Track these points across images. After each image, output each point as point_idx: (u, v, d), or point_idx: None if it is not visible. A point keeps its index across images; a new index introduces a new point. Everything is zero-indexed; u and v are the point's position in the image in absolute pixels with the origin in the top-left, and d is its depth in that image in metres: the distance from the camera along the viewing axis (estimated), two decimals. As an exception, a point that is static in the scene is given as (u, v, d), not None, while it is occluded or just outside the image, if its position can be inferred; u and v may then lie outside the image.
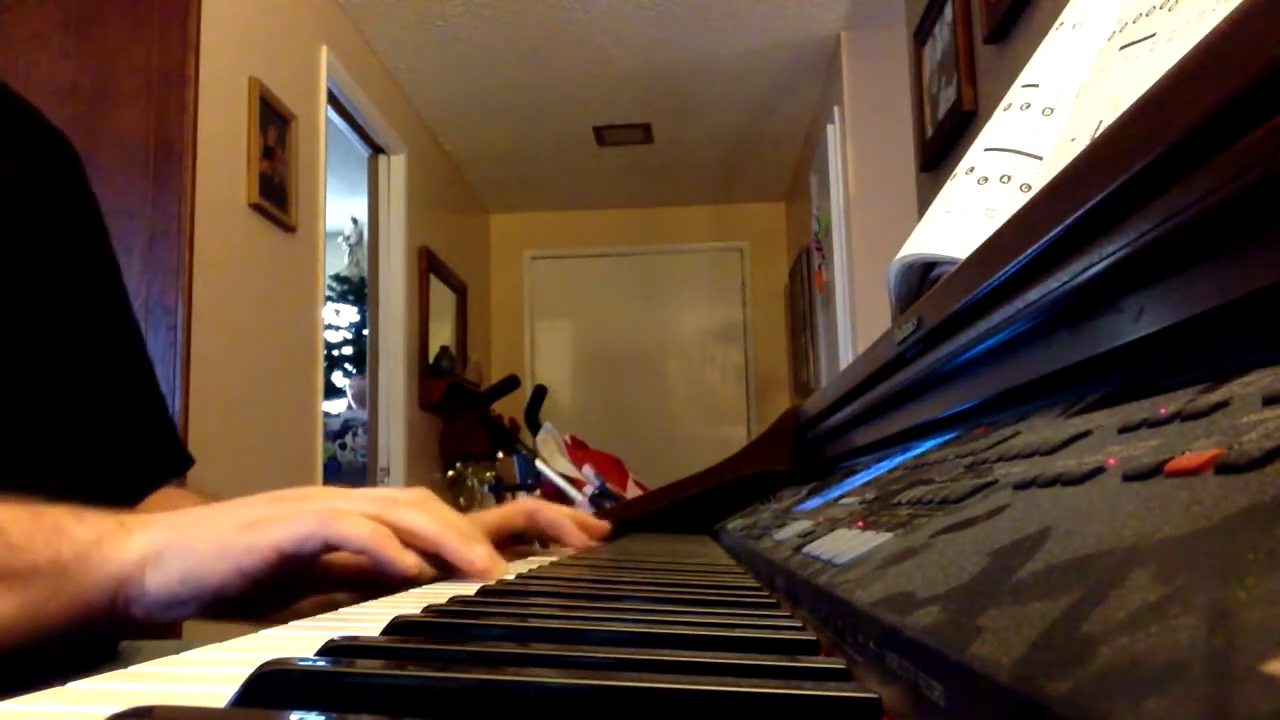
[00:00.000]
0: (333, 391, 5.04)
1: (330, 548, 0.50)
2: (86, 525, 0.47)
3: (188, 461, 0.82)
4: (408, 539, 0.52)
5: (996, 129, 0.78)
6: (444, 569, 0.55)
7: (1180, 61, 0.31)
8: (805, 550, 0.44)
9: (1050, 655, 0.15)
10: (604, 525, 0.90)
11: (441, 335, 4.53)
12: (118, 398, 0.74)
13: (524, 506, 0.82)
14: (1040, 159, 0.73)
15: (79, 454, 0.67)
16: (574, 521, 0.83)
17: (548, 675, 0.22)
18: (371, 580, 0.55)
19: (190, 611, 0.49)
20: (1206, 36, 0.29)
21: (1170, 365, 0.35)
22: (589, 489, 3.49)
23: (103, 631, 0.49)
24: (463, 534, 0.54)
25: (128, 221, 2.20)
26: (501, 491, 4.11)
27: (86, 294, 0.73)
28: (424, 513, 0.54)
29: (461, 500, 4.21)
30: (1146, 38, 0.56)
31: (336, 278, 5.43)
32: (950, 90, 2.35)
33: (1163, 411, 0.26)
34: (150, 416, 0.80)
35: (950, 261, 0.74)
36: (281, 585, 0.52)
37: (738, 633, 0.31)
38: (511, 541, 0.81)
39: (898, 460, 0.68)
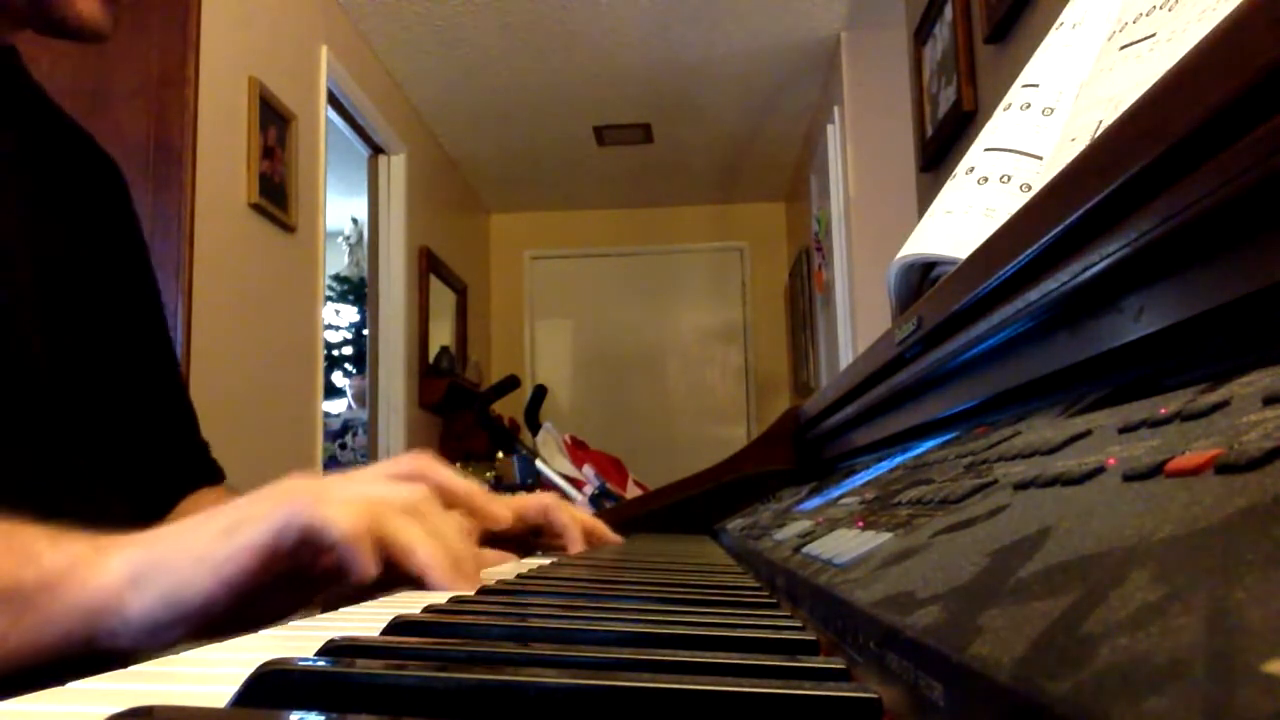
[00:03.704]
0: (333, 391, 5.04)
1: (312, 539, 0.45)
2: (59, 551, 0.44)
3: (218, 477, 0.83)
4: (392, 552, 0.47)
5: (996, 129, 0.78)
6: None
7: (1180, 61, 0.31)
8: (805, 550, 0.44)
9: (1050, 655, 0.15)
10: (615, 539, 0.90)
11: (441, 335, 4.53)
12: (146, 414, 0.75)
13: (542, 502, 0.81)
14: (1040, 159, 0.73)
15: (115, 466, 0.68)
16: (583, 529, 0.83)
17: (548, 675, 0.22)
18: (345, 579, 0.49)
19: (179, 634, 0.45)
20: (1206, 36, 0.29)
21: (1170, 365, 0.35)
22: (589, 489, 3.49)
23: (87, 662, 0.44)
24: (450, 562, 0.48)
25: (128, 221, 2.20)
26: (501, 492, 4.10)
27: (128, 313, 0.75)
28: (417, 530, 0.48)
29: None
30: (1146, 38, 0.56)
31: (336, 278, 5.42)
32: (950, 90, 2.35)
33: (1163, 411, 0.26)
34: (179, 434, 0.81)
35: (950, 261, 0.74)
36: (276, 591, 0.47)
37: (738, 633, 0.31)
38: (530, 535, 0.81)
39: (898, 460, 0.68)
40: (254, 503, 0.47)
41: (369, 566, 0.45)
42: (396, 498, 0.49)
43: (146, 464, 0.74)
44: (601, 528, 0.88)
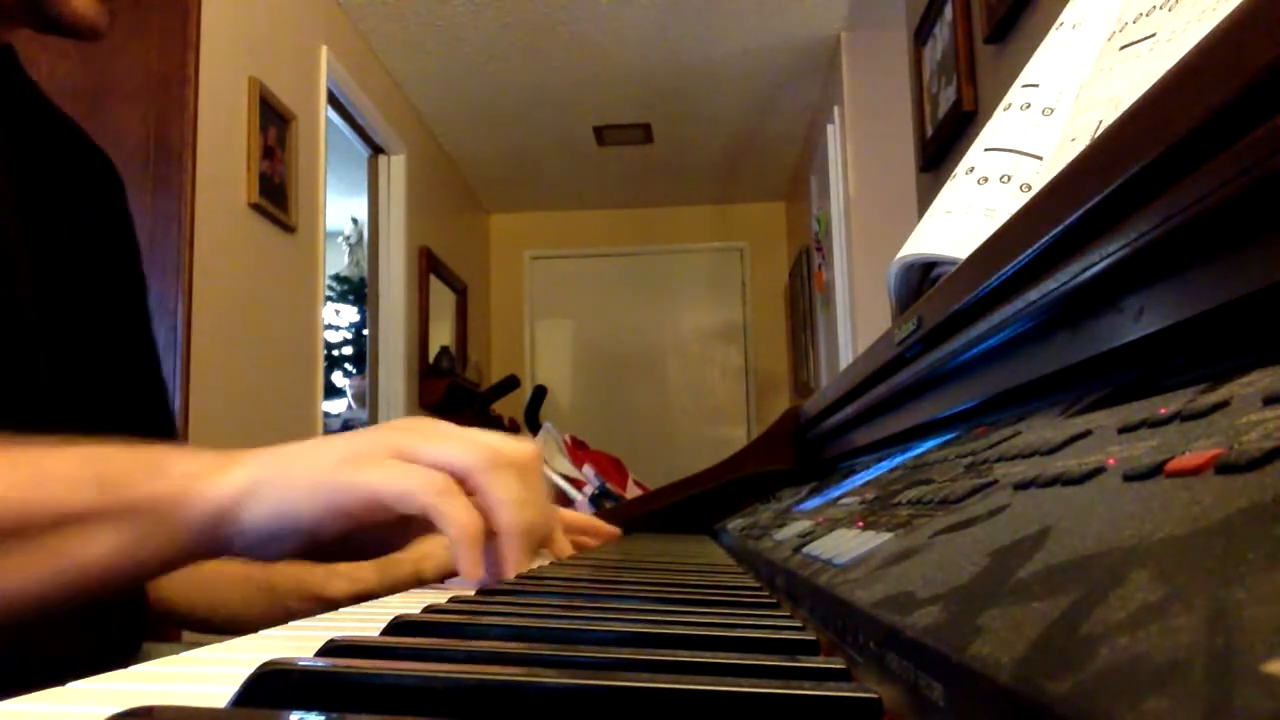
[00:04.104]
0: (333, 391, 5.04)
1: (426, 517, 0.47)
2: (186, 461, 0.47)
3: None
4: (487, 509, 0.49)
5: (996, 129, 0.78)
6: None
7: (1180, 61, 0.31)
8: (805, 550, 0.44)
9: (1050, 655, 0.15)
10: (613, 530, 0.90)
11: (441, 335, 4.53)
12: (130, 413, 0.75)
13: None
14: (1040, 159, 0.73)
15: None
16: (586, 527, 0.83)
17: (548, 675, 0.22)
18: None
19: (288, 548, 0.47)
20: (1206, 36, 0.29)
21: (1170, 365, 0.35)
22: (589, 489, 3.49)
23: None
24: (534, 539, 0.51)
25: (128, 221, 2.20)
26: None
27: (108, 311, 0.75)
28: (519, 492, 0.50)
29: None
30: (1146, 38, 0.56)
31: (336, 278, 5.42)
32: (950, 90, 2.35)
33: (1163, 411, 0.26)
34: (161, 435, 0.81)
35: (950, 261, 0.74)
36: (377, 530, 0.50)
37: (738, 633, 0.31)
38: None
39: (898, 460, 0.68)
40: (380, 438, 0.49)
41: (477, 571, 0.47)
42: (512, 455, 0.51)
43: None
44: (597, 524, 0.88)
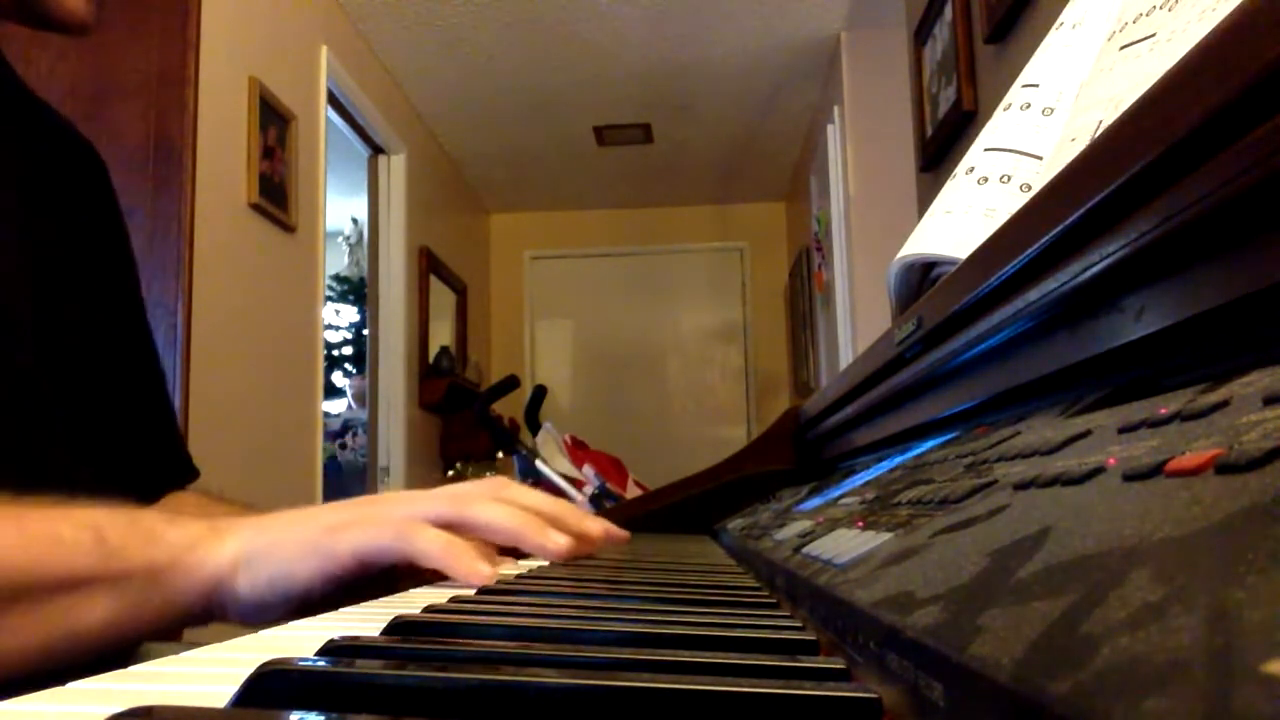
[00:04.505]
0: (333, 391, 5.03)
1: (407, 560, 0.51)
2: (180, 530, 0.49)
3: (192, 474, 0.83)
4: (486, 536, 0.54)
5: (996, 129, 0.78)
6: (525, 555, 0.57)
7: (1180, 61, 0.31)
8: (805, 550, 0.44)
9: (1050, 655, 0.15)
10: (622, 535, 0.89)
11: (441, 335, 4.53)
12: (127, 407, 0.75)
13: None
14: (1040, 159, 0.73)
15: (98, 461, 0.68)
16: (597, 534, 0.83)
17: (548, 675, 0.22)
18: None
19: (279, 613, 0.50)
20: (1206, 36, 0.29)
21: (1170, 365, 0.35)
22: (589, 489, 3.49)
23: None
24: (538, 522, 0.56)
25: (128, 221, 2.20)
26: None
27: (105, 303, 0.75)
28: (500, 505, 0.55)
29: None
30: (1146, 38, 0.56)
31: (336, 278, 5.42)
32: (950, 90, 2.35)
33: (1163, 411, 0.26)
34: (159, 428, 0.81)
35: (950, 261, 0.74)
36: (362, 587, 0.54)
37: (738, 633, 0.31)
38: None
39: (898, 460, 0.68)
40: (357, 508, 0.54)
41: (471, 575, 0.50)
42: (476, 490, 0.57)
43: (126, 459, 0.74)
44: (613, 530, 0.88)
